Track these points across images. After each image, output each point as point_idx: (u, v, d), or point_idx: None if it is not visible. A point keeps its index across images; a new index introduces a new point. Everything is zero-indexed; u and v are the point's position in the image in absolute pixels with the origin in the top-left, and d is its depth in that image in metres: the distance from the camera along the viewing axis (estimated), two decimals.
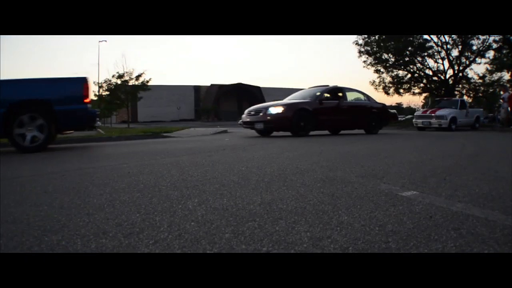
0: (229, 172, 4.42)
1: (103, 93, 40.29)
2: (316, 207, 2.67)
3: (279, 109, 12.95)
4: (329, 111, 13.84)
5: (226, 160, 5.86)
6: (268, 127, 13.08)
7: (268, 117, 12.86)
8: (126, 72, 36.50)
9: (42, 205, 2.94)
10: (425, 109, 25.54)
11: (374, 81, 35.73)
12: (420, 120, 22.79)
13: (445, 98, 26.24)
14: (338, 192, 3.16)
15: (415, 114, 24.83)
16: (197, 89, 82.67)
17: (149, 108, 66.27)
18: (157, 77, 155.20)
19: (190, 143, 10.40)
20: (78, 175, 4.56)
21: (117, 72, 36.74)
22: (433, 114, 21.87)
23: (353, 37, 35.35)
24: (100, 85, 40.16)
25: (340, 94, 14.90)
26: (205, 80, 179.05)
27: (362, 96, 15.97)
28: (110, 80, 37.71)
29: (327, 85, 15.13)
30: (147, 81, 37.45)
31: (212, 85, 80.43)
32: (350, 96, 15.49)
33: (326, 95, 14.56)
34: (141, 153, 7.65)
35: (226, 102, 79.69)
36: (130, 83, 37.03)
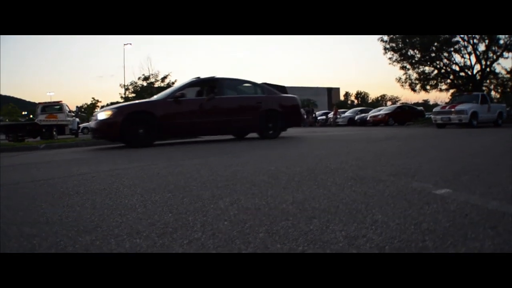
0: (259, 172, 4.41)
1: (130, 95, 40.76)
2: (348, 206, 2.65)
3: (108, 114, 9.96)
4: (190, 112, 10.60)
5: (254, 160, 5.88)
6: (95, 136, 10.84)
7: (96, 124, 10.17)
8: (152, 74, 36.78)
9: (75, 206, 2.99)
10: (443, 105, 24.60)
11: (400, 78, 35.40)
12: (439, 116, 21.21)
13: (465, 93, 25.36)
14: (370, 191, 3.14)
15: (433, 110, 23.16)
16: None
17: None
18: (183, 78, 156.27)
19: (217, 144, 10.46)
20: (108, 177, 4.62)
21: (143, 74, 37.08)
22: (452, 109, 20.55)
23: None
24: (126, 87, 40.61)
25: (215, 88, 11.33)
26: None
27: (257, 89, 12.17)
28: (136, 83, 38.08)
29: (198, 77, 11.52)
30: (173, 83, 37.68)
31: None
32: (238, 90, 12.10)
33: (187, 90, 11.20)
34: (169, 154, 7.73)
35: None
36: (156, 85, 37.30)
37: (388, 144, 8.70)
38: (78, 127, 29.13)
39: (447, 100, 45.08)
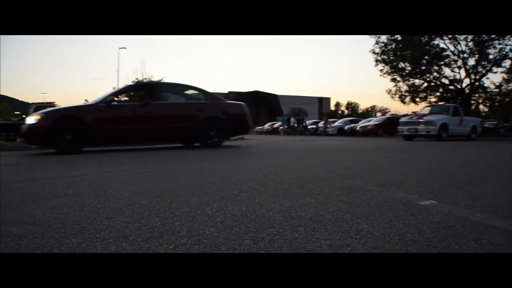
0: (247, 179, 4.43)
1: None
2: (334, 215, 2.67)
3: (36, 118, 9.35)
4: (123, 119, 9.92)
5: (244, 166, 5.90)
6: (25, 141, 10.06)
7: (25, 128, 9.47)
8: (145, 78, 36.73)
9: (63, 208, 2.98)
10: (412, 115, 23.92)
11: (390, 90, 35.64)
12: (406, 127, 20.01)
13: (439, 104, 25.18)
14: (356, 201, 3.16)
15: (400, 120, 22.05)
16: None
17: None
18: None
19: (208, 150, 10.41)
20: (98, 179, 4.61)
21: (136, 78, 37.01)
22: (420, 120, 19.46)
23: (370, 46, 35.35)
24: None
25: (153, 93, 10.69)
26: (223, 87, 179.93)
27: (200, 96, 11.46)
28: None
29: (137, 81, 11.10)
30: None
31: (229, 92, 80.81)
32: (179, 96, 11.52)
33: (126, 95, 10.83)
34: (160, 159, 7.74)
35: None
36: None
37: (377, 154, 8.76)
38: None
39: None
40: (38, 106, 25.28)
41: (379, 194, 3.45)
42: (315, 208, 2.86)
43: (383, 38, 33.93)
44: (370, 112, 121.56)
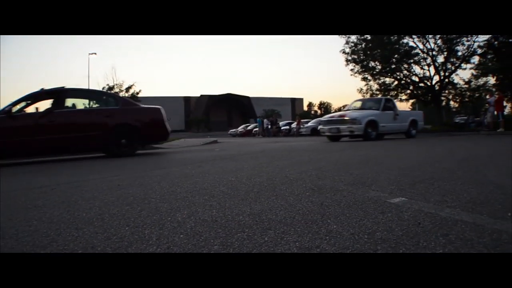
0: (219, 183, 4.41)
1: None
2: (305, 216, 2.67)
3: None
4: (24, 129, 9.16)
5: (216, 170, 5.87)
6: None
7: None
8: (116, 84, 36.49)
9: (32, 220, 2.92)
10: (333, 113, 21.63)
11: (361, 89, 36.01)
12: (327, 127, 17.12)
13: (369, 97, 21.80)
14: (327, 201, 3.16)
15: (320, 119, 19.24)
16: (187, 100, 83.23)
17: None
18: (147, 89, 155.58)
19: (180, 154, 10.45)
20: (68, 189, 4.54)
21: (107, 85, 36.74)
22: (342, 118, 16.66)
23: (341, 45, 35.66)
24: None
25: (59, 100, 9.92)
26: (195, 90, 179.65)
27: (110, 101, 10.93)
28: None
29: (41, 89, 9.96)
30: (137, 93, 37.48)
31: (202, 95, 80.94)
32: (88, 103, 11.02)
33: (25, 104, 9.85)
34: (131, 165, 7.68)
35: (216, 113, 79.96)
36: (120, 95, 37.01)
37: (349, 153, 8.82)
38: None
39: (408, 109, 45.97)
40: None
41: (349, 193, 3.46)
42: (286, 210, 2.86)
43: (353, 38, 34.34)
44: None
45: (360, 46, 34.51)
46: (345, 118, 16.49)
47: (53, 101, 9.88)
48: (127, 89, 36.86)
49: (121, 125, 10.05)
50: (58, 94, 9.95)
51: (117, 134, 9.98)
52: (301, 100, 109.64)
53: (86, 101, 11.01)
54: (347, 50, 34.87)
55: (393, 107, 18.09)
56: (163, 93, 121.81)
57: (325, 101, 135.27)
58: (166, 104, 78.24)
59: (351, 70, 35.29)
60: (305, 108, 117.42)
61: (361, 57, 34.59)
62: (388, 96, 20.71)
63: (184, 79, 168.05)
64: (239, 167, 6.23)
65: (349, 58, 34.90)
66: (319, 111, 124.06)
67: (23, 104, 9.76)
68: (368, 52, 33.84)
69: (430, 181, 4.01)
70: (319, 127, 18.81)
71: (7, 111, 9.07)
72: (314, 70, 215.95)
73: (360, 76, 35.37)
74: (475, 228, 2.28)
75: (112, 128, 9.89)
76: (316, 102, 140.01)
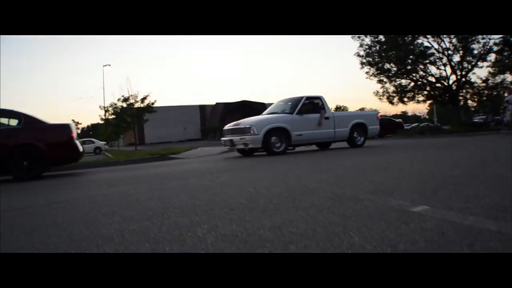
0: (238, 194, 4.40)
1: (110, 117, 40.74)
2: (326, 229, 2.63)
3: None
4: None
5: (234, 181, 5.87)
6: None
7: None
8: (131, 95, 36.73)
9: (52, 237, 2.93)
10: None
11: (378, 92, 35.77)
12: (226, 138, 13.30)
13: (288, 99, 14.86)
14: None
15: (224, 128, 14.28)
16: (202, 108, 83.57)
17: (155, 129, 66.90)
18: (162, 99, 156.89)
19: (197, 164, 10.44)
20: (87, 204, 4.60)
21: (122, 96, 37.01)
22: (237, 127, 12.95)
23: (355, 48, 35.47)
24: (106, 109, 40.54)
25: None
26: (210, 99, 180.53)
27: (12, 120, 9.97)
28: (115, 104, 38.03)
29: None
30: (152, 103, 37.69)
31: (217, 103, 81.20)
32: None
33: None
34: (149, 177, 7.71)
35: (231, 120, 79.54)
36: (136, 105, 37.28)
37: (367, 158, 8.77)
38: None
39: (425, 111, 45.39)
40: None
41: (370, 202, 3.41)
42: (306, 223, 2.82)
43: (367, 40, 34.16)
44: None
45: (374, 48, 34.35)
46: (239, 126, 12.79)
47: None
48: (142, 99, 37.05)
49: (23, 145, 9.39)
50: None
51: (18, 155, 9.27)
52: None
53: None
54: (362, 53, 34.72)
55: (320, 108, 13.53)
56: (178, 102, 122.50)
57: (341, 105, 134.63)
58: (181, 113, 78.69)
59: (366, 73, 35.12)
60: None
61: (376, 59, 34.40)
62: (316, 94, 14.05)
63: (199, 88, 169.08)
64: (257, 177, 6.26)
65: (364, 61, 34.72)
66: None
67: None
68: (383, 54, 33.65)
69: (452, 187, 3.93)
70: (222, 138, 14.21)
71: None
72: (329, 73, 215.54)
73: (376, 79, 35.16)
74: (500, 237, 2.23)
75: (11, 150, 9.20)
76: (332, 106, 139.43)
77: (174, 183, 6.07)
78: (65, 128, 10.06)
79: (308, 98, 13.56)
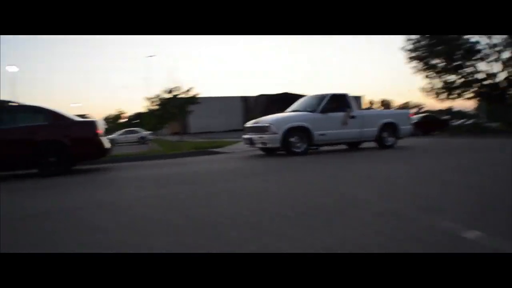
0: (285, 205, 4.36)
1: (154, 107, 41.43)
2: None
3: None
4: None
5: (280, 185, 5.88)
6: None
7: None
8: (176, 87, 37.13)
9: (94, 241, 2.99)
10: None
11: (424, 88, 35.05)
12: (247, 136, 12.94)
13: (311, 96, 14.23)
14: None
15: (245, 125, 14.17)
16: (245, 99, 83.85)
17: (199, 119, 67.51)
18: (206, 89, 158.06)
19: (243, 162, 10.48)
20: (135, 206, 4.75)
21: (167, 87, 37.48)
22: (257, 125, 12.68)
23: (401, 40, 34.73)
24: (151, 100, 41.21)
25: None
26: (253, 90, 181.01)
27: (38, 117, 10.01)
28: (160, 96, 38.59)
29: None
30: (196, 95, 38.05)
31: (260, 95, 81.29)
32: (15, 119, 9.97)
33: None
34: (193, 176, 7.80)
35: (274, 112, 79.64)
36: (180, 96, 37.72)
37: (405, 163, 8.59)
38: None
39: (473, 108, 44.13)
40: None
41: (421, 222, 3.36)
42: (355, 246, 2.77)
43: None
44: (404, 108, 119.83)
45: (422, 42, 33.61)
46: (259, 125, 12.58)
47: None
48: (187, 91, 37.45)
49: (48, 142, 9.69)
50: None
51: (44, 151, 9.60)
52: (360, 97, 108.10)
53: (18, 116, 10.21)
54: (409, 47, 34.03)
55: (345, 107, 12.90)
56: (222, 93, 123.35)
57: (387, 99, 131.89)
58: (224, 104, 79.01)
59: (414, 67, 34.41)
60: (366, 105, 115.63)
61: (424, 54, 33.66)
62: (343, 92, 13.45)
63: (242, 78, 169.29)
64: (301, 180, 6.31)
65: (412, 55, 34.02)
66: (380, 109, 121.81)
67: None
68: (431, 49, 32.90)
69: (507, 208, 3.74)
70: (243, 136, 13.73)
71: None
72: (374, 65, 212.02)
73: (423, 74, 34.43)
74: None
75: (38, 145, 9.56)
76: (377, 99, 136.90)
77: (219, 184, 6.26)
78: (91, 124, 10.29)
79: (333, 95, 12.98)
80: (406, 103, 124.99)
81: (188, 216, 4.05)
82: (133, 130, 46.12)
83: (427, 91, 35.03)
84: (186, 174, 8.31)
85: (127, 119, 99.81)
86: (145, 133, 45.03)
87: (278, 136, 11.50)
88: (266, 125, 11.93)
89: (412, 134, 15.06)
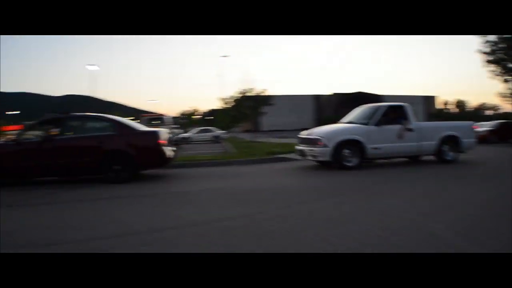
0: (370, 235, 4.25)
1: (228, 107, 42.52)
2: None
3: None
4: (32, 153, 10.45)
5: (358, 210, 5.89)
6: None
7: None
8: (250, 88, 37.93)
9: None
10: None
11: (503, 92, 33.50)
12: (300, 147, 12.79)
13: (367, 106, 13.59)
14: None
15: (298, 136, 13.67)
16: (317, 98, 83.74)
17: (271, 117, 68.27)
18: (278, 87, 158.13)
19: (317, 178, 10.29)
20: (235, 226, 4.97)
21: (241, 89, 38.39)
22: (308, 137, 12.50)
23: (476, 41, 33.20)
24: (224, 99, 42.35)
25: (62, 126, 10.89)
26: (330, 87, 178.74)
27: (106, 127, 10.90)
28: (234, 96, 39.63)
29: (54, 114, 11.14)
30: (270, 96, 38.74)
31: (333, 94, 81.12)
32: (85, 128, 11.15)
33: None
34: (270, 194, 7.82)
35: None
36: (253, 96, 38.47)
37: (483, 188, 7.98)
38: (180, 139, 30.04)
39: None
40: (151, 119, 26.96)
41: None
42: None
43: (492, 36, 31.97)
44: (479, 110, 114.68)
45: (500, 45, 32.10)
46: (309, 137, 12.39)
47: (56, 127, 10.87)
48: (260, 93, 38.17)
49: (113, 151, 10.43)
50: (61, 121, 10.95)
51: (111, 159, 10.34)
52: (433, 98, 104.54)
53: (88, 126, 11.38)
54: (486, 50, 32.60)
55: (402, 119, 12.37)
56: (295, 90, 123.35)
57: (461, 99, 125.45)
58: (295, 103, 79.04)
59: (491, 71, 32.82)
60: (439, 106, 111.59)
61: (502, 57, 32.17)
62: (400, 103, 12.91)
63: (315, 77, 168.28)
64: (382, 205, 6.27)
65: (490, 59, 32.54)
66: (453, 110, 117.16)
67: (31, 129, 11.59)
68: (510, 52, 31.42)
69: None
70: (296, 146, 13.51)
71: (15, 139, 10.72)
72: (448, 65, 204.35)
73: (501, 78, 32.90)
74: None
75: (105, 154, 10.34)
76: (451, 99, 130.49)
77: (297, 207, 6.34)
78: (153, 134, 10.80)
79: (389, 107, 12.59)
80: (482, 104, 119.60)
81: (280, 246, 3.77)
82: (208, 129, 47.23)
83: (505, 96, 33.38)
84: (263, 190, 8.39)
85: (201, 116, 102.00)
86: (219, 132, 46.03)
87: (329, 149, 11.40)
88: (317, 137, 11.81)
89: (486, 142, 13.80)
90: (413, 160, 13.43)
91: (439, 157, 12.65)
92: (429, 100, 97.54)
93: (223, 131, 47.27)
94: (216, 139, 42.18)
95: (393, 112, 12.40)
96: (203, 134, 44.06)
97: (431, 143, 12.45)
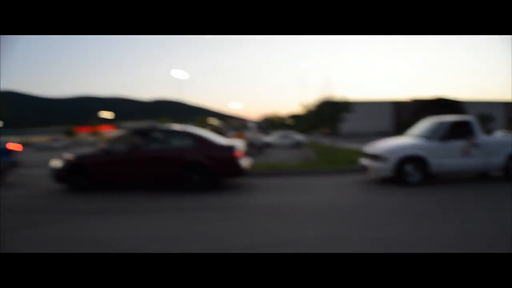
0: None
1: (309, 113, 43.79)
2: None
3: (59, 162, 12.21)
4: (118, 163, 11.92)
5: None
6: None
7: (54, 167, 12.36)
8: (331, 95, 38.95)
9: None
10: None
11: None
12: (362, 162, 13.09)
13: (433, 120, 13.06)
14: None
15: (363, 150, 13.97)
16: (396, 104, 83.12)
17: (349, 122, 68.93)
18: (357, 92, 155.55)
19: (392, 199, 9.54)
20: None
21: (322, 95, 39.52)
22: (369, 152, 12.64)
23: None
24: (306, 106, 43.76)
25: (147, 138, 12.20)
26: (411, 92, 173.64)
27: (186, 140, 12.07)
28: (315, 103, 40.86)
29: (141, 127, 12.50)
30: (350, 102, 39.54)
31: (412, 100, 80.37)
32: (168, 141, 12.30)
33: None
34: (354, 210, 7.83)
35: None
36: (334, 104, 39.44)
37: None
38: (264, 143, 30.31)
39: None
40: (236, 124, 28.47)
41: None
42: None
43: None
44: None
45: None
46: (372, 152, 12.45)
47: (142, 139, 12.14)
48: (341, 100, 39.07)
49: (192, 162, 11.54)
50: (146, 133, 12.28)
51: (190, 170, 11.50)
52: None
53: (171, 138, 12.54)
54: None
55: (469, 134, 11.89)
56: (374, 96, 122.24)
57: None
58: (373, 108, 78.94)
59: None
60: None
61: None
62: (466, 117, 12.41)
63: (397, 81, 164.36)
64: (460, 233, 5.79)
65: None
66: None
67: (120, 140, 12.87)
68: None
69: None
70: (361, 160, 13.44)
71: (105, 149, 12.17)
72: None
73: None
74: None
75: (185, 165, 11.51)
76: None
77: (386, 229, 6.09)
78: (229, 148, 11.89)
79: (454, 122, 12.12)
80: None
81: None
82: (289, 134, 48.46)
83: None
84: (340, 206, 8.29)
85: (281, 120, 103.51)
86: (299, 137, 47.17)
87: (390, 165, 11.39)
88: (379, 153, 11.86)
89: None
90: (480, 176, 12.94)
91: (507, 174, 12.00)
92: (510, 106, 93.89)
93: (303, 136, 48.38)
94: (297, 145, 43.39)
95: (459, 127, 12.03)
96: (284, 140, 45.41)
97: (499, 160, 11.91)
